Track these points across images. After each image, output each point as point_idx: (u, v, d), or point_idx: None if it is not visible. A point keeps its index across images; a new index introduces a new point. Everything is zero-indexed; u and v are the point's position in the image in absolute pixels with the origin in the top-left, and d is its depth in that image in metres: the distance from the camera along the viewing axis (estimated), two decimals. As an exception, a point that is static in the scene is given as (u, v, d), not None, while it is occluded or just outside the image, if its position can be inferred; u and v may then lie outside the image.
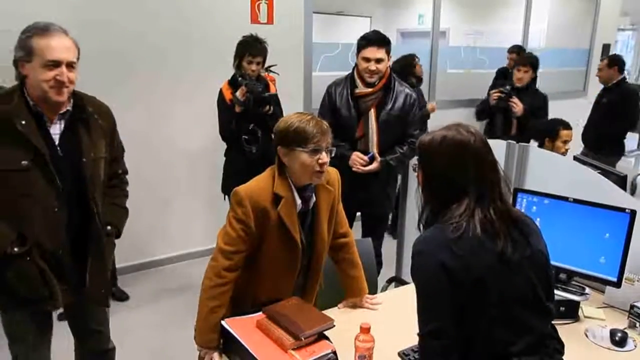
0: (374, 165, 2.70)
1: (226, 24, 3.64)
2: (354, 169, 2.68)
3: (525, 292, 1.25)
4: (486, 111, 3.91)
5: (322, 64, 4.39)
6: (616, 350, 1.70)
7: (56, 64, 1.57)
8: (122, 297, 3.30)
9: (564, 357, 1.33)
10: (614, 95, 4.38)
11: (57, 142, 1.65)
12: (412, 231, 3.09)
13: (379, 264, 2.80)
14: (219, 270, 1.63)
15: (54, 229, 1.65)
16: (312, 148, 1.62)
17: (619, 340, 1.71)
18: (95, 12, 3.19)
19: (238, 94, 2.94)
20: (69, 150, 1.67)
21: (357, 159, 2.69)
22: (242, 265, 1.67)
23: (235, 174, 3.06)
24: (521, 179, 2.44)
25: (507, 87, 3.76)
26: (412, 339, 1.36)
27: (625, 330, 1.76)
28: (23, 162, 1.56)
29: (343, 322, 1.65)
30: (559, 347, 1.33)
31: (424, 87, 4.62)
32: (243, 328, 1.59)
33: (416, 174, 1.39)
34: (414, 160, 1.41)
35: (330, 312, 1.80)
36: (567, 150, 3.12)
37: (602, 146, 4.27)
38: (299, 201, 1.70)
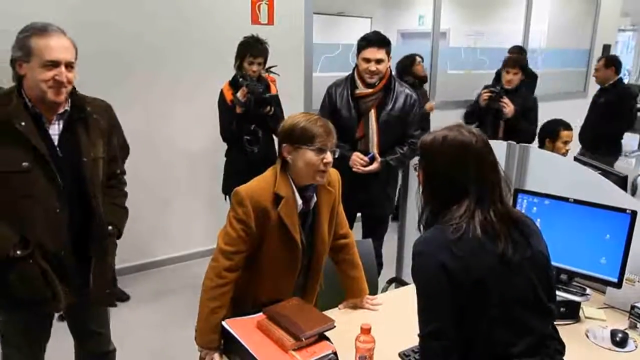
0: (374, 166, 2.70)
1: (226, 25, 3.64)
2: (354, 169, 2.68)
3: (525, 293, 1.25)
4: (476, 113, 3.76)
5: (323, 65, 4.39)
6: (617, 351, 1.69)
7: (55, 64, 1.57)
8: (123, 297, 3.30)
9: (564, 358, 1.33)
10: (610, 95, 4.38)
11: (56, 143, 1.65)
12: (412, 232, 3.09)
13: (380, 265, 2.80)
14: (219, 271, 1.63)
15: (56, 230, 1.64)
16: (318, 147, 1.63)
17: (619, 340, 1.71)
18: (94, 12, 3.19)
19: (239, 94, 2.94)
20: (69, 150, 1.67)
21: (357, 160, 2.69)
22: (242, 266, 1.67)
23: (235, 174, 3.06)
24: (522, 179, 2.44)
25: (498, 87, 3.67)
26: (412, 340, 1.36)
27: (626, 331, 1.75)
28: (24, 163, 1.56)
29: (343, 322, 1.65)
30: (560, 348, 1.33)
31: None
32: (243, 328, 1.59)
33: (417, 173, 1.39)
34: (415, 160, 1.41)
35: (330, 313, 1.80)
36: (567, 150, 3.12)
37: (599, 146, 4.26)
38: (299, 201, 1.70)
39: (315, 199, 1.75)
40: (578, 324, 1.85)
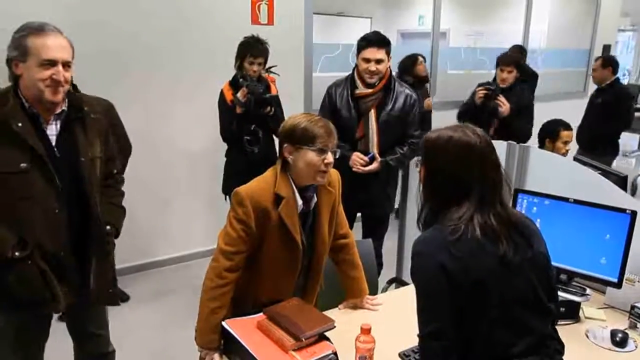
0: (374, 166, 2.70)
1: (226, 25, 3.65)
2: (354, 169, 2.68)
3: (525, 293, 1.25)
4: (470, 111, 3.61)
5: (323, 65, 4.39)
6: (617, 351, 1.69)
7: (52, 63, 1.56)
8: (123, 297, 3.29)
9: (564, 358, 1.33)
10: (608, 95, 4.38)
11: (54, 143, 1.64)
12: (412, 232, 3.09)
13: (380, 265, 2.80)
14: (220, 271, 1.63)
15: (55, 231, 1.64)
16: (319, 147, 1.63)
17: (619, 340, 1.71)
18: (91, 12, 3.19)
19: (239, 95, 2.94)
20: (66, 150, 1.66)
21: (357, 159, 2.69)
22: (243, 266, 1.67)
23: (235, 174, 3.06)
24: (522, 179, 2.44)
25: (493, 84, 3.56)
26: (412, 340, 1.36)
27: (626, 331, 1.75)
28: (22, 164, 1.55)
29: (343, 322, 1.65)
30: (559, 348, 1.33)
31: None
32: (243, 329, 1.59)
33: (418, 169, 1.38)
34: (416, 158, 1.41)
35: (330, 313, 1.80)
36: (567, 150, 3.12)
37: (596, 147, 4.25)
38: (300, 202, 1.70)
39: (315, 199, 1.75)
40: (578, 324, 1.85)
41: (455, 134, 1.28)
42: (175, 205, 3.77)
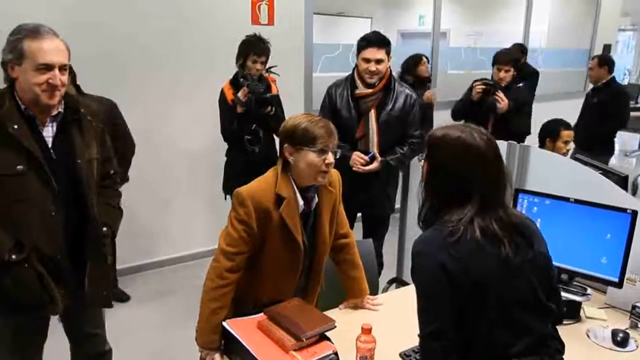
0: (374, 165, 2.70)
1: (227, 25, 3.65)
2: (354, 168, 2.68)
3: (525, 295, 1.25)
4: (466, 108, 3.50)
5: (323, 65, 4.39)
6: (618, 351, 1.69)
7: (49, 67, 1.54)
8: (123, 298, 3.30)
9: (565, 358, 1.33)
10: (604, 94, 4.38)
11: (50, 145, 1.63)
12: (413, 232, 3.09)
13: (380, 265, 2.80)
14: (220, 272, 1.63)
15: (52, 233, 1.63)
16: (320, 148, 1.63)
17: (620, 340, 1.71)
18: (90, 13, 3.19)
19: (240, 94, 2.94)
20: (63, 152, 1.65)
21: (357, 159, 2.69)
22: (244, 267, 1.67)
23: (236, 174, 3.06)
24: (522, 179, 2.44)
25: (492, 80, 3.48)
26: (413, 340, 1.35)
27: (627, 331, 1.75)
28: (18, 166, 1.54)
29: (344, 323, 1.65)
30: (560, 347, 1.33)
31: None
32: (244, 329, 1.59)
33: (421, 164, 1.38)
34: (418, 156, 1.41)
35: (331, 313, 1.80)
36: (568, 150, 3.11)
37: (593, 146, 4.25)
38: (301, 202, 1.70)
39: (316, 199, 1.75)
40: (579, 323, 1.84)
41: (463, 134, 1.27)
42: (176, 206, 3.77)
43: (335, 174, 1.83)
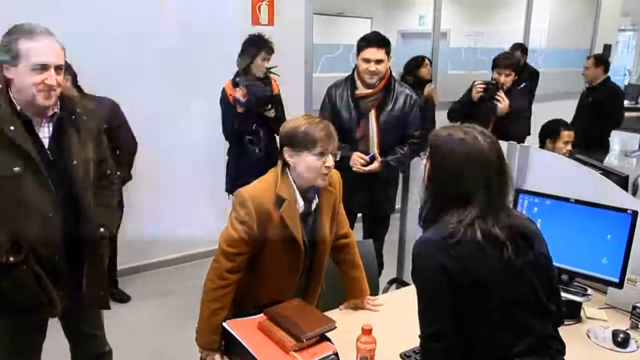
0: (374, 165, 2.70)
1: (227, 25, 3.65)
2: (354, 169, 2.68)
3: (527, 296, 1.25)
4: (464, 109, 3.42)
5: (323, 65, 4.39)
6: (618, 351, 1.69)
7: (44, 67, 1.53)
8: (123, 298, 3.30)
9: (565, 358, 1.33)
10: (599, 94, 4.39)
11: (46, 146, 1.63)
12: (413, 232, 3.09)
13: (380, 265, 2.80)
14: (221, 272, 1.63)
15: (50, 235, 1.62)
16: (320, 151, 1.63)
17: (621, 341, 1.71)
18: (92, 13, 3.19)
19: (238, 94, 2.94)
20: (59, 153, 1.64)
21: (357, 159, 2.69)
22: (244, 267, 1.67)
23: (238, 173, 3.06)
24: (522, 179, 2.43)
25: (493, 80, 3.41)
26: (413, 341, 1.35)
27: (628, 331, 1.75)
28: (15, 168, 1.53)
29: (344, 323, 1.65)
30: (561, 348, 1.33)
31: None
32: (244, 329, 1.59)
33: (424, 162, 1.37)
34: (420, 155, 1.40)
35: (331, 314, 1.80)
36: (568, 150, 3.11)
37: (589, 146, 4.24)
38: (301, 203, 1.70)
39: (316, 200, 1.75)
40: (579, 324, 1.84)
41: (466, 136, 1.26)
42: (176, 206, 3.77)
43: (335, 174, 1.83)
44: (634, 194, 2.58)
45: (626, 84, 10.45)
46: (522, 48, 5.14)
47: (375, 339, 1.47)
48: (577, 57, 6.43)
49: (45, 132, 1.63)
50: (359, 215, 2.96)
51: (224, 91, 3.05)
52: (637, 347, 1.71)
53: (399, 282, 2.54)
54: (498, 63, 3.51)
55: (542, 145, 3.13)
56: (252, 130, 3.02)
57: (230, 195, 3.14)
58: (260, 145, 3.02)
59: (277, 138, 1.83)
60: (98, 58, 3.12)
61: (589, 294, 1.87)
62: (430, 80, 4.52)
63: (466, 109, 3.46)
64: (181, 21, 3.51)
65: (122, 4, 3.29)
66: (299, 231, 1.69)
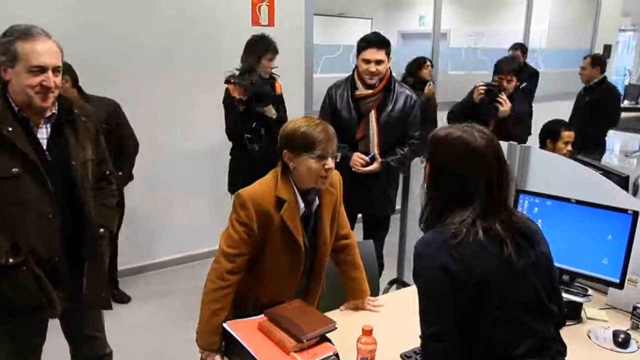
0: (374, 166, 2.70)
1: (227, 26, 3.65)
2: (354, 169, 2.68)
3: (529, 298, 1.24)
4: (465, 111, 3.32)
5: (323, 66, 4.39)
6: (619, 352, 1.69)
7: (42, 69, 1.53)
8: (124, 299, 3.30)
9: (566, 359, 1.33)
10: (595, 94, 4.39)
11: (45, 147, 1.62)
12: (413, 233, 3.09)
13: (381, 266, 2.80)
14: (221, 273, 1.63)
15: (49, 236, 1.62)
16: (319, 154, 1.62)
17: (621, 341, 1.70)
18: (92, 13, 3.19)
19: (236, 93, 2.94)
20: (58, 154, 1.64)
21: (357, 160, 2.69)
22: (244, 268, 1.67)
23: (241, 173, 3.06)
24: (523, 180, 2.44)
25: (495, 81, 3.35)
26: (414, 341, 1.35)
27: (628, 332, 1.75)
28: (13, 169, 1.53)
29: (345, 324, 1.65)
30: (562, 349, 1.32)
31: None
32: (245, 330, 1.59)
33: (424, 165, 1.37)
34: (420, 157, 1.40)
35: (332, 314, 1.80)
36: (568, 151, 3.11)
37: (584, 145, 4.23)
38: (302, 204, 1.70)
39: (317, 201, 1.75)
40: (580, 324, 1.84)
41: (464, 134, 1.26)
42: (177, 206, 3.77)
43: (336, 175, 1.82)
44: (635, 194, 2.57)
45: (626, 84, 10.45)
46: (521, 48, 5.14)
47: (375, 340, 1.47)
48: (577, 57, 6.41)
49: (43, 133, 1.63)
50: (359, 215, 2.96)
51: (227, 91, 3.05)
52: (638, 348, 1.71)
53: (399, 282, 2.54)
54: (501, 68, 3.45)
55: (543, 145, 3.13)
56: (252, 128, 3.01)
57: (232, 196, 3.14)
58: (259, 144, 3.01)
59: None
60: (98, 58, 3.13)
61: (590, 295, 1.87)
62: (424, 82, 4.52)
63: (467, 111, 3.38)
64: (181, 21, 3.52)
65: (122, 4, 3.29)
66: (299, 233, 1.69)
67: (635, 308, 1.82)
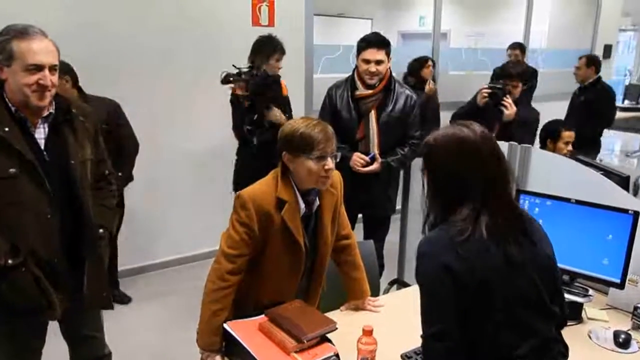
0: (374, 166, 2.70)
1: (227, 26, 3.65)
2: (354, 169, 2.68)
3: (528, 294, 1.24)
4: (469, 113, 3.18)
5: (324, 66, 4.39)
6: (619, 352, 1.69)
7: (38, 67, 1.53)
8: (124, 299, 3.30)
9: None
10: (590, 94, 4.39)
11: (42, 147, 1.62)
12: (414, 233, 3.09)
13: (381, 266, 2.80)
14: (222, 274, 1.62)
15: (48, 236, 1.61)
16: (318, 155, 1.62)
17: (622, 341, 1.70)
18: (92, 14, 3.19)
19: (238, 90, 2.93)
20: (56, 154, 1.63)
21: (357, 160, 2.69)
22: (245, 269, 1.67)
23: (247, 172, 3.04)
24: (523, 180, 2.44)
25: (501, 82, 3.28)
26: (415, 341, 1.35)
27: (629, 332, 1.75)
28: (11, 169, 1.53)
29: (345, 324, 1.65)
30: (564, 351, 1.32)
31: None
32: (245, 331, 1.59)
33: (422, 175, 1.37)
34: (419, 162, 1.39)
35: (332, 315, 1.79)
36: (569, 151, 3.10)
37: (580, 145, 4.22)
38: (302, 205, 1.70)
39: (317, 202, 1.75)
40: (580, 324, 1.84)
41: (456, 130, 1.27)
42: (178, 206, 3.77)
43: (337, 175, 1.82)
44: (635, 194, 2.57)
45: (627, 84, 10.45)
46: (520, 47, 5.15)
47: (376, 340, 1.47)
48: (577, 57, 6.44)
49: (41, 133, 1.63)
50: (360, 215, 2.96)
51: (233, 90, 3.05)
52: (639, 348, 1.71)
53: (399, 282, 2.54)
54: (508, 73, 3.37)
55: (543, 145, 3.13)
56: (253, 120, 2.99)
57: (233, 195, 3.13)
58: (260, 138, 2.99)
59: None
60: (98, 58, 3.13)
61: (590, 295, 1.87)
62: (424, 82, 4.51)
63: (470, 114, 3.26)
64: (181, 21, 3.52)
65: (122, 4, 3.29)
66: (300, 233, 1.69)
67: (636, 308, 1.82)
